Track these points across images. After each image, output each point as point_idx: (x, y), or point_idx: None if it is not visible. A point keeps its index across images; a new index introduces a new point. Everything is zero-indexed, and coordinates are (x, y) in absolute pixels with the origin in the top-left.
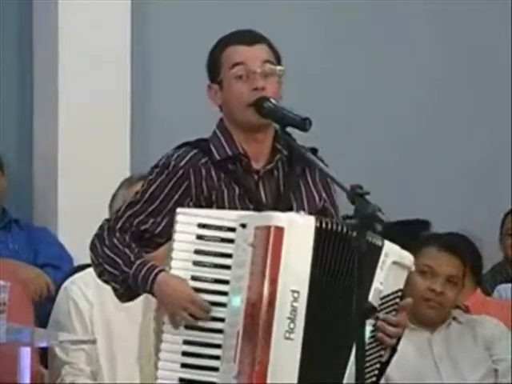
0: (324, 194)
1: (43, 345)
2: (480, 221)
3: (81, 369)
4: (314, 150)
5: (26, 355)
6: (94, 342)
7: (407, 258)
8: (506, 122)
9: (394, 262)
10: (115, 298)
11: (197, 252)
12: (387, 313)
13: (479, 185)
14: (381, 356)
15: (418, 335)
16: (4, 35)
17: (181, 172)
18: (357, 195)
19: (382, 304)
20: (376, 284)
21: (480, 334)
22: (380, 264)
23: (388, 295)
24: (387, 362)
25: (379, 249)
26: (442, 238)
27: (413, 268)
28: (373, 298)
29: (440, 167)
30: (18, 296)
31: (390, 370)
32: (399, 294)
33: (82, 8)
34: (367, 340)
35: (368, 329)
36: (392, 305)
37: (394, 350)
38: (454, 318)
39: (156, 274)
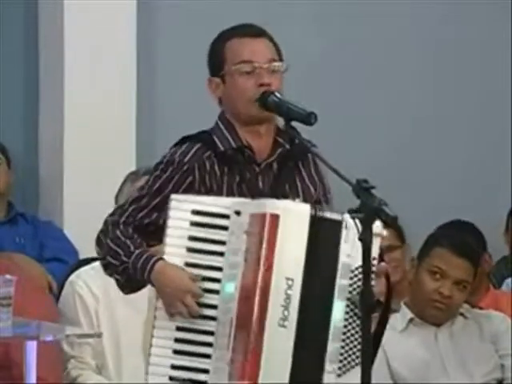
0: (320, 189)
1: (49, 339)
2: (485, 214)
3: (87, 363)
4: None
5: (32, 349)
6: (99, 335)
7: (375, 226)
8: (508, 115)
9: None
10: (121, 292)
11: (191, 238)
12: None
13: (484, 179)
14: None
15: (424, 329)
16: (10, 31)
17: (185, 167)
18: (362, 189)
19: (356, 276)
20: (342, 258)
21: (486, 329)
22: (343, 237)
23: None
24: (381, 332)
25: (339, 223)
26: (456, 240)
27: (384, 233)
28: (342, 272)
29: (443, 160)
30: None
31: (396, 363)
32: (374, 262)
33: (87, 4)
34: (344, 316)
35: (342, 305)
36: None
37: (386, 316)
38: (461, 313)
39: (154, 263)
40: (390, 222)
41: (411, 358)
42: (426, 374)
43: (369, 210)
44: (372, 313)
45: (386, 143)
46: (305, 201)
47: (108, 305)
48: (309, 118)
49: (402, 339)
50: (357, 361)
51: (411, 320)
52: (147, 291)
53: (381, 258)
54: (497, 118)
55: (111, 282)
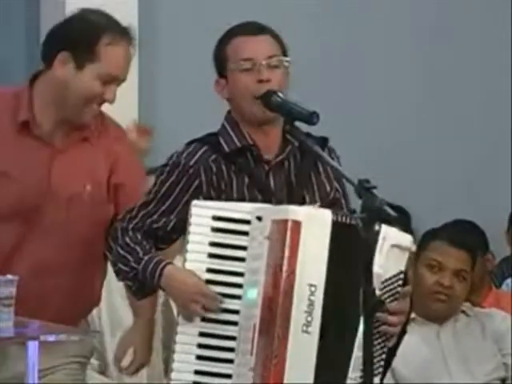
0: (336, 184)
1: (51, 339)
2: (486, 214)
3: (89, 362)
4: (324, 140)
5: (33, 349)
6: (101, 335)
7: (406, 239)
8: (508, 115)
9: (393, 245)
10: (123, 295)
11: (212, 244)
12: (391, 295)
13: (485, 179)
14: (385, 346)
15: (427, 327)
16: (12, 31)
17: (191, 171)
18: (364, 189)
19: (385, 287)
20: (375, 268)
21: (488, 327)
22: (378, 248)
23: (390, 278)
24: (396, 345)
25: (376, 233)
26: (451, 232)
27: (413, 248)
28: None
29: (444, 161)
30: None
31: (397, 363)
32: (401, 276)
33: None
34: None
35: None
36: (395, 287)
37: (403, 331)
38: (463, 311)
39: (163, 268)
40: (394, 222)
41: (413, 357)
42: (427, 372)
43: (370, 210)
44: (374, 312)
45: (387, 144)
46: (321, 201)
47: (110, 308)
48: (311, 118)
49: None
50: (378, 370)
51: (413, 319)
52: None
53: (404, 281)
54: (497, 118)
55: (113, 285)
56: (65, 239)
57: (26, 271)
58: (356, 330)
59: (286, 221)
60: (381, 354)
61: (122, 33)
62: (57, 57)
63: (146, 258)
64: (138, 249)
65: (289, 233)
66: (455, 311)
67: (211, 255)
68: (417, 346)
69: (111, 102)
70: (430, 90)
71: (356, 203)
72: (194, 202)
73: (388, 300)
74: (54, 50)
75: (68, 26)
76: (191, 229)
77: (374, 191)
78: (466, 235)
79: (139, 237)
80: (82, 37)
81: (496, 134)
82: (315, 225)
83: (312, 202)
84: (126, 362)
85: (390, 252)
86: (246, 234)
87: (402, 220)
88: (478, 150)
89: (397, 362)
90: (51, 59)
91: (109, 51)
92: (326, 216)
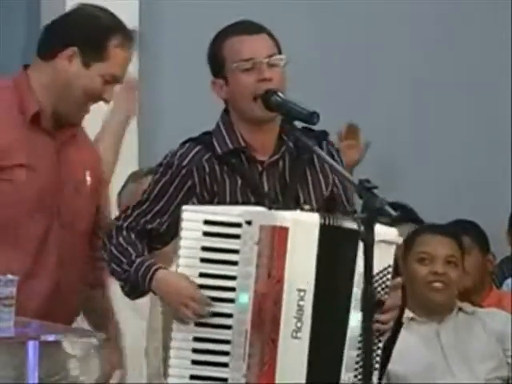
0: (336, 179)
1: (51, 339)
2: (486, 214)
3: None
4: (324, 133)
5: (33, 349)
6: (100, 335)
7: (391, 233)
8: (508, 115)
9: (377, 241)
10: (122, 294)
11: (204, 249)
12: (380, 290)
13: (485, 179)
14: (380, 341)
15: (426, 327)
16: (12, 30)
17: (184, 171)
18: (364, 189)
19: (374, 283)
20: (359, 269)
21: (490, 325)
22: (361, 247)
23: (377, 274)
24: (394, 339)
25: (357, 233)
26: (434, 225)
27: (400, 241)
28: (357, 283)
29: (445, 160)
30: None
31: (397, 363)
32: (389, 269)
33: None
34: (360, 331)
35: (359, 314)
36: (384, 282)
37: (399, 324)
38: (461, 309)
39: (154, 272)
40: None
41: (412, 358)
42: (428, 372)
43: (371, 209)
44: (374, 312)
45: (387, 143)
46: (316, 198)
47: None
48: (311, 118)
49: (401, 338)
50: (372, 368)
51: (412, 319)
52: (149, 295)
53: (396, 272)
54: (497, 117)
55: (112, 285)
56: (74, 231)
57: (54, 265)
58: (345, 330)
59: (273, 227)
60: (376, 350)
61: (129, 36)
62: (63, 51)
63: (138, 260)
64: (131, 250)
65: (276, 239)
66: (453, 301)
67: (204, 260)
68: (416, 345)
69: (108, 101)
70: (431, 89)
71: (357, 203)
72: (185, 206)
73: (378, 295)
74: (59, 43)
75: (75, 20)
76: (183, 234)
77: (375, 191)
78: (448, 224)
79: (133, 236)
80: (93, 35)
81: (496, 134)
82: (303, 230)
83: (307, 201)
84: (114, 381)
85: (376, 247)
86: (238, 237)
87: (408, 215)
88: (478, 149)
89: (397, 363)
90: (53, 52)
91: (117, 53)
92: (313, 220)
